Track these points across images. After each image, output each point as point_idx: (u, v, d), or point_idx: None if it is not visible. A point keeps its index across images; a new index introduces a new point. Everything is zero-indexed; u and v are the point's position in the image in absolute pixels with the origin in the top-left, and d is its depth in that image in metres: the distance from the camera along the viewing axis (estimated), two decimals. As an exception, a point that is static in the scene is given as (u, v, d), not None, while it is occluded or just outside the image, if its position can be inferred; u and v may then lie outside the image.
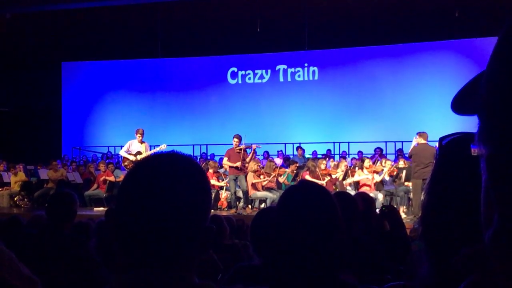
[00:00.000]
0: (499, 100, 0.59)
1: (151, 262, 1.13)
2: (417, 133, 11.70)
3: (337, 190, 12.47)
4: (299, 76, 20.18)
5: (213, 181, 13.37)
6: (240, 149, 12.56)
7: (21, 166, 15.64)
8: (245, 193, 12.62)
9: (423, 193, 1.12)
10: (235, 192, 12.85)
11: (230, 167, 12.62)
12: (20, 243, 3.59)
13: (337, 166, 13.85)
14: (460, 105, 0.76)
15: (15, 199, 14.93)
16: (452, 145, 1.08)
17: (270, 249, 1.82)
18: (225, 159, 12.85)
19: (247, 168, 12.79)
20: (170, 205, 1.13)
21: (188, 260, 1.16)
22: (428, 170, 11.10)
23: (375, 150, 16.14)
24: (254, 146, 13.01)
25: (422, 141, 11.45)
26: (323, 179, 12.72)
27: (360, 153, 16.33)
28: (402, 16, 17.95)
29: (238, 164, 12.39)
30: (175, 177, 1.16)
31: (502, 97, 0.59)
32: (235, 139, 12.68)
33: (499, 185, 0.60)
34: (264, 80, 20.55)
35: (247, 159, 12.74)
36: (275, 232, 1.78)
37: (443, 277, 0.85)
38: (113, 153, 18.97)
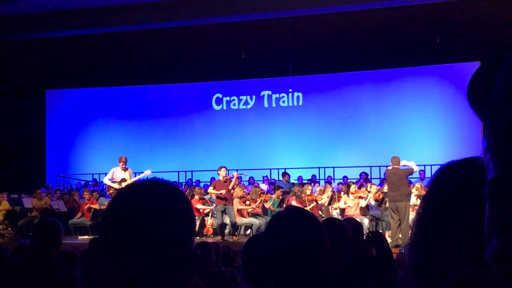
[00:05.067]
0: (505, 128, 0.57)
1: (137, 287, 1.13)
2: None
3: (323, 215, 12.47)
4: (283, 101, 20.25)
5: (199, 206, 13.35)
6: (226, 179, 12.73)
7: (4, 195, 15.44)
8: (234, 223, 12.67)
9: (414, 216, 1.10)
10: (222, 222, 12.85)
11: (217, 197, 12.70)
12: (5, 272, 3.54)
13: (323, 192, 13.86)
14: (473, 95, 0.71)
15: (-1, 228, 14.76)
16: (445, 171, 1.04)
17: (260, 275, 1.82)
18: (211, 188, 13.04)
19: (233, 196, 12.80)
20: (153, 232, 1.14)
21: (174, 284, 1.17)
22: (398, 194, 11.25)
23: (360, 175, 16.19)
24: (235, 174, 13.09)
25: (394, 165, 11.59)
26: (309, 205, 12.70)
27: (345, 178, 16.36)
28: (384, 42, 18.19)
29: (223, 191, 12.48)
30: (157, 204, 1.18)
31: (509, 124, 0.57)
32: (223, 170, 12.81)
33: (499, 209, 0.59)
34: (249, 106, 20.59)
35: (230, 186, 12.78)
36: (263, 258, 1.78)
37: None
38: (98, 180, 18.83)
